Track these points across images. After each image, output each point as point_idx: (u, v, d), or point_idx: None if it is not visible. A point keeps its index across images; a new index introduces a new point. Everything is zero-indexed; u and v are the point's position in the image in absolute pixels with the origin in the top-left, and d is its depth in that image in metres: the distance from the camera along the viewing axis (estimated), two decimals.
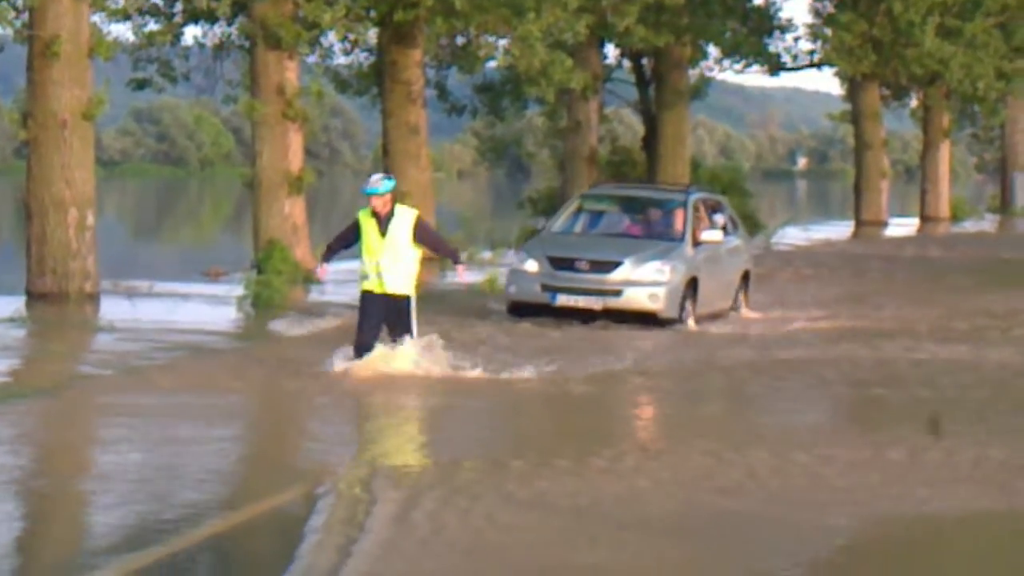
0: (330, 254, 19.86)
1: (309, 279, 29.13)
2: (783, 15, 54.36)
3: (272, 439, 15.90)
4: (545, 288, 24.13)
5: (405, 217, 18.62)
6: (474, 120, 55.95)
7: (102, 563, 10.44)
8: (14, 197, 48.07)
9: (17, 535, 11.54)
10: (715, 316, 25.78)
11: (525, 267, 24.57)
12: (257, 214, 32.17)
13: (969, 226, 66.64)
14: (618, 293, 24.01)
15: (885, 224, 62.78)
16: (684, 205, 25.99)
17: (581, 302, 23.97)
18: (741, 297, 27.25)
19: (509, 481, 12.89)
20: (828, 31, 52.30)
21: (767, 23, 52.80)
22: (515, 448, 14.89)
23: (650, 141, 50.36)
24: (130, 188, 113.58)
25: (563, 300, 23.97)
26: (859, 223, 61.88)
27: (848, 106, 65.52)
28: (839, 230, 61.48)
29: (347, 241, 19.30)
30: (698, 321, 24.85)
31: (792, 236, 55.25)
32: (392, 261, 18.41)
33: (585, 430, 16.77)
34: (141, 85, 36.98)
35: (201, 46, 36.67)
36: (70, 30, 26.59)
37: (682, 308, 24.46)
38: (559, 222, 26.87)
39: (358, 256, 19.21)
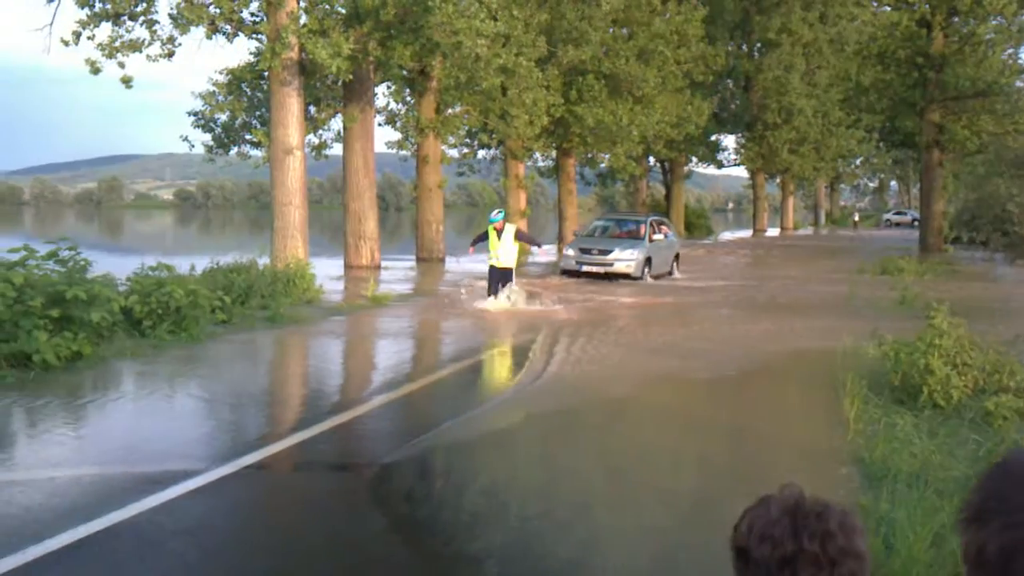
0: (473, 245, 16.37)
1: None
2: (724, 144, 52.30)
3: (511, 319, 15.18)
4: (577, 262, 20.87)
5: (511, 228, 15.40)
6: (594, 188, 55.09)
7: (444, 365, 9.72)
8: (411, 219, 47.83)
9: (401, 353, 10.66)
10: (660, 276, 23.63)
11: (569, 252, 21.35)
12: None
13: (801, 232, 63.92)
14: (612, 264, 20.61)
15: (766, 231, 60.55)
16: (645, 222, 22.46)
17: (594, 269, 20.61)
18: (674, 266, 25.18)
19: (610, 334, 12.47)
20: (742, 152, 50.64)
21: (716, 148, 51.25)
22: (611, 321, 13.62)
23: (667, 197, 49.16)
24: (451, 218, 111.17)
25: (586, 268, 20.64)
26: (755, 230, 59.82)
27: (751, 181, 63.11)
28: (747, 234, 59.24)
29: (481, 239, 15.87)
30: (652, 278, 22.49)
31: (726, 236, 53.65)
32: (504, 251, 15.15)
33: (620, 319, 14.86)
34: (461, 174, 36.91)
35: (484, 157, 36.57)
36: (432, 151, 26.78)
37: (643, 272, 21.07)
38: (586, 231, 23.14)
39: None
